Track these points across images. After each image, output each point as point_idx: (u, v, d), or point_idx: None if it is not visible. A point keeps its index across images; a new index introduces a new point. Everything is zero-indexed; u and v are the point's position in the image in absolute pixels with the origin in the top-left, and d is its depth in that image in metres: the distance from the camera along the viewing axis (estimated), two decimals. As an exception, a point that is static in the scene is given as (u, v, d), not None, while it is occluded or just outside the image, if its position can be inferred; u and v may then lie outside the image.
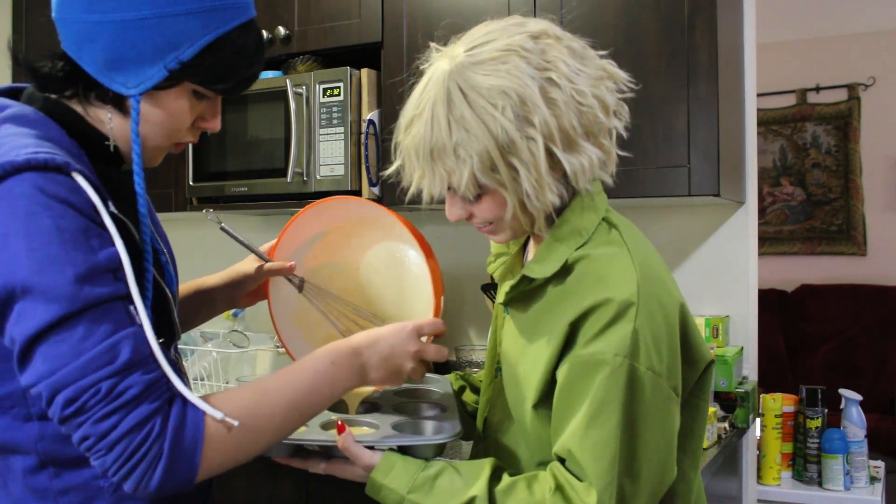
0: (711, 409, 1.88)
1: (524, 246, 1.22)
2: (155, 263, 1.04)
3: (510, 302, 1.15)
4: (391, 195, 2.17)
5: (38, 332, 0.85)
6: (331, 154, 2.22)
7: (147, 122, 0.99)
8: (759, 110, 2.35)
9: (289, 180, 2.23)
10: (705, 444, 1.78)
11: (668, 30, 1.88)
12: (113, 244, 0.90)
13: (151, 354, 0.89)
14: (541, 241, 1.11)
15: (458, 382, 1.42)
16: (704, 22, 1.85)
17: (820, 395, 2.27)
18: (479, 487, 1.01)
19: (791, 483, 2.31)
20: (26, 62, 1.00)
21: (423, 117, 1.01)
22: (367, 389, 1.29)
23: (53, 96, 1.01)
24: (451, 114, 0.99)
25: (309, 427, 1.15)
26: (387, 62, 2.22)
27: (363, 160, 2.21)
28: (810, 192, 4.82)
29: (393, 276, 1.40)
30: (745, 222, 2.21)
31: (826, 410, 2.30)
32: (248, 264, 1.35)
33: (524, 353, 1.10)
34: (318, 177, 2.23)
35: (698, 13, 1.85)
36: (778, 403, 2.28)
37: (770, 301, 4.41)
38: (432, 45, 1.08)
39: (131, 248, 0.94)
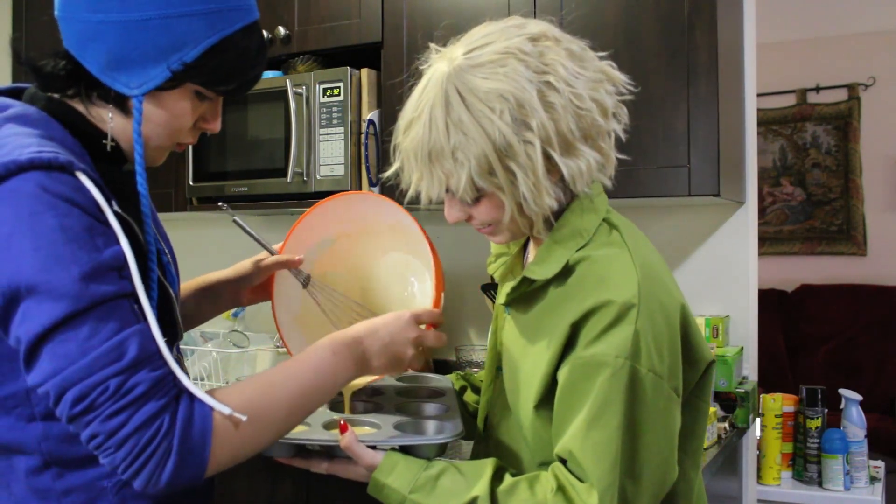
0: (711, 409, 1.88)
1: (525, 246, 1.22)
2: (157, 263, 1.04)
3: (511, 303, 1.15)
4: (391, 196, 2.16)
5: (45, 331, 0.84)
6: (331, 154, 2.22)
7: (149, 122, 0.99)
8: (759, 110, 2.35)
9: (289, 180, 2.23)
10: (705, 444, 1.78)
11: (668, 30, 1.88)
12: (117, 243, 0.90)
13: (158, 351, 0.89)
14: (541, 242, 1.11)
15: (459, 382, 1.43)
16: (704, 22, 1.85)
17: (820, 395, 2.27)
18: (481, 487, 1.01)
19: (791, 483, 2.31)
20: (28, 60, 1.00)
21: (422, 120, 1.01)
22: (363, 381, 1.29)
23: (56, 96, 1.01)
24: (448, 117, 0.99)
25: (311, 427, 1.15)
26: (387, 62, 2.22)
27: (363, 160, 2.21)
28: (810, 192, 4.82)
29: (402, 286, 1.40)
30: (745, 222, 2.21)
31: (826, 410, 2.30)
32: (255, 258, 1.35)
33: (525, 353, 1.10)
34: (318, 177, 2.23)
35: (698, 13, 1.85)
36: (778, 403, 2.28)
37: (770, 301, 4.41)
38: (432, 45, 1.07)
39: (135, 247, 0.94)
